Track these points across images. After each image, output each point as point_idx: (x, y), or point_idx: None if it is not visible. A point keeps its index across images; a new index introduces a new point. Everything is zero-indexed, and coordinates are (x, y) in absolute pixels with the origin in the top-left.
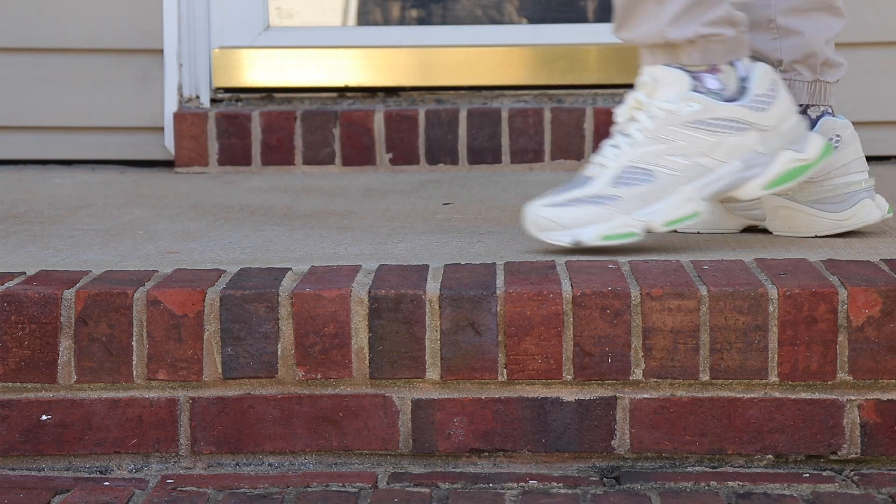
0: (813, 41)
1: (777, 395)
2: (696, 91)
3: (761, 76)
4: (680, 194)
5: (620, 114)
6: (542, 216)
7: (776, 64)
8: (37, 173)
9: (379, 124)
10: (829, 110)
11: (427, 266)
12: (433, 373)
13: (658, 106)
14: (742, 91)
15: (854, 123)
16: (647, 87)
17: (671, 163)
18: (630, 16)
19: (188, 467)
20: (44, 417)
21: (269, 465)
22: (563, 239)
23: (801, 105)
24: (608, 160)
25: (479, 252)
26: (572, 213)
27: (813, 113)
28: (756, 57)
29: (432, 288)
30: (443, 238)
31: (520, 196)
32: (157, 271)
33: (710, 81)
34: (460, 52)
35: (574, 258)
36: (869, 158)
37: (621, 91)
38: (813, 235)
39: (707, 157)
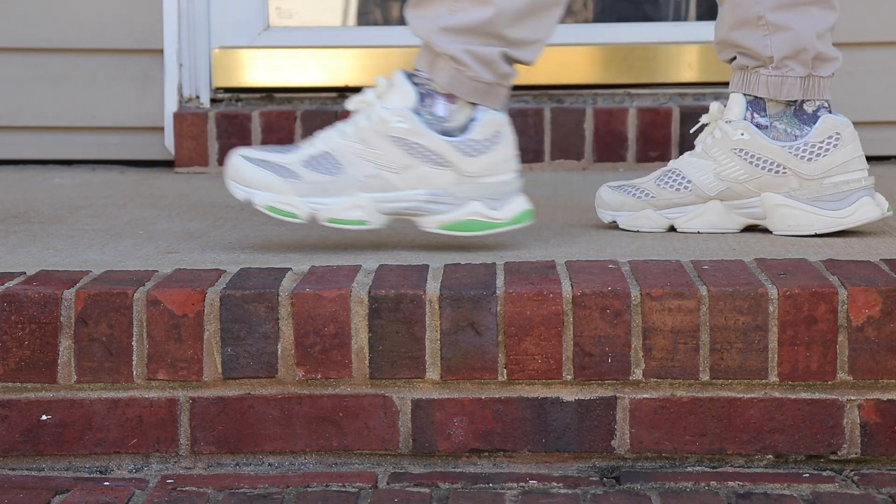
0: (803, 36)
1: (777, 395)
2: (415, 111)
3: (487, 124)
4: (353, 198)
5: (351, 104)
6: (234, 165)
7: (767, 61)
8: (37, 173)
9: None
10: (826, 104)
11: (427, 266)
12: (433, 373)
13: (376, 110)
14: (462, 130)
15: (854, 123)
16: (381, 88)
17: (361, 166)
18: (422, 3)
19: (188, 467)
20: (44, 417)
21: (269, 465)
22: (240, 193)
23: (794, 101)
24: (317, 140)
25: (479, 252)
26: (256, 173)
27: (809, 107)
28: (746, 54)
29: (432, 288)
30: (443, 237)
31: None
32: (157, 271)
33: (440, 107)
34: None
35: (574, 258)
36: (869, 158)
37: (621, 91)
38: (812, 234)
39: (396, 176)
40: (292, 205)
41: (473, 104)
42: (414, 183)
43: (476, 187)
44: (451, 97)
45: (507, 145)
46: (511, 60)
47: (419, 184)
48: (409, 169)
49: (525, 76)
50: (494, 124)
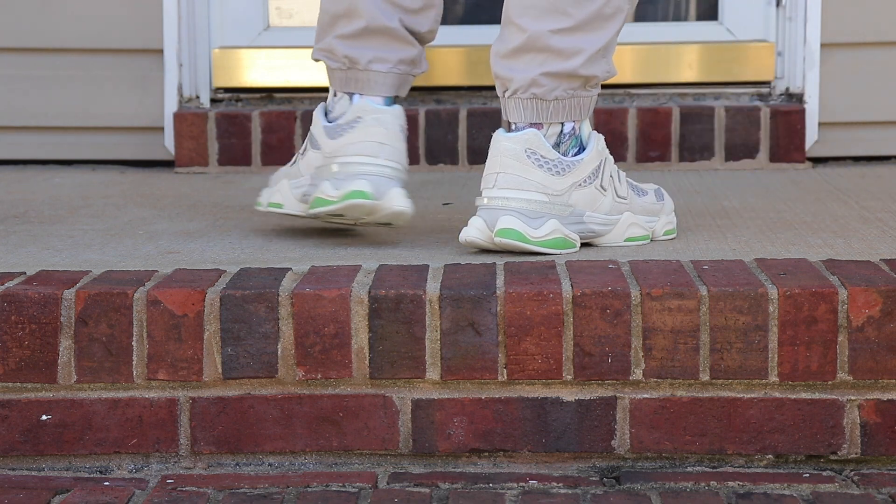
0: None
1: (777, 395)
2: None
3: (352, 110)
4: (278, 185)
5: None
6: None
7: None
8: (37, 173)
9: None
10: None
11: (427, 266)
12: (433, 373)
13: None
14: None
15: (854, 123)
16: None
17: (291, 159)
18: None
19: (188, 467)
20: (44, 417)
21: (269, 465)
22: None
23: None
24: None
25: (480, 252)
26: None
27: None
28: None
29: (432, 288)
30: (443, 238)
31: None
32: (157, 271)
33: (330, 103)
34: (460, 52)
35: (574, 258)
36: (869, 158)
37: (621, 91)
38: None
39: (301, 161)
40: (261, 195)
41: (350, 94)
42: (305, 168)
43: (332, 168)
44: (335, 93)
45: (362, 131)
46: (343, 40)
47: (307, 168)
48: (305, 153)
49: None
50: (356, 110)
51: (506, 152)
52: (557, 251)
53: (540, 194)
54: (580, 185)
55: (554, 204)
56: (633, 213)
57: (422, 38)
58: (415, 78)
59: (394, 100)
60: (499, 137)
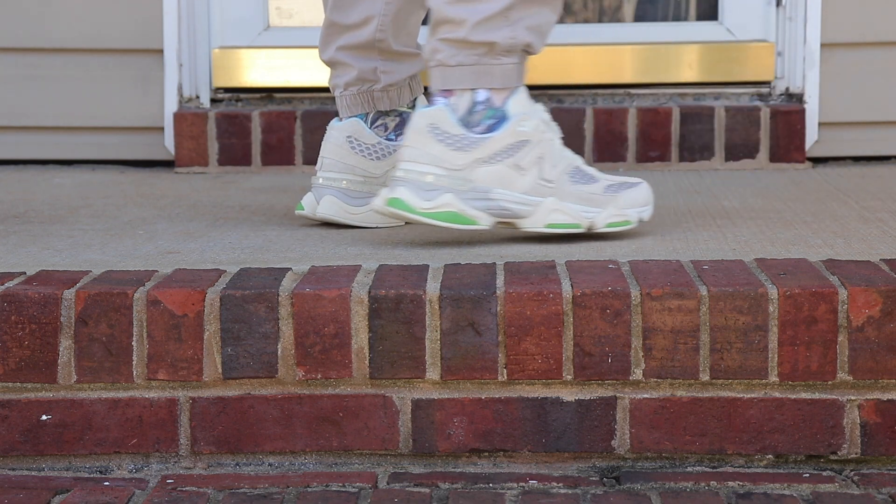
0: None
1: (777, 395)
2: None
3: None
4: None
5: None
6: None
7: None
8: (37, 173)
9: None
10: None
11: (427, 266)
12: (433, 373)
13: None
14: None
15: (854, 123)
16: None
17: None
18: None
19: (188, 467)
20: (44, 417)
21: (269, 465)
22: None
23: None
24: None
25: (479, 252)
26: None
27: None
28: None
29: (432, 288)
30: (443, 238)
31: None
32: (157, 271)
33: None
34: None
35: (574, 258)
36: (869, 158)
37: (621, 91)
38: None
39: None
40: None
41: None
42: None
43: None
44: None
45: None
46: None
47: None
48: None
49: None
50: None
51: (413, 126)
52: (448, 224)
53: (435, 167)
54: (485, 161)
55: (452, 178)
56: (558, 200)
57: (381, 49)
58: (379, 91)
59: (367, 115)
60: (415, 112)
